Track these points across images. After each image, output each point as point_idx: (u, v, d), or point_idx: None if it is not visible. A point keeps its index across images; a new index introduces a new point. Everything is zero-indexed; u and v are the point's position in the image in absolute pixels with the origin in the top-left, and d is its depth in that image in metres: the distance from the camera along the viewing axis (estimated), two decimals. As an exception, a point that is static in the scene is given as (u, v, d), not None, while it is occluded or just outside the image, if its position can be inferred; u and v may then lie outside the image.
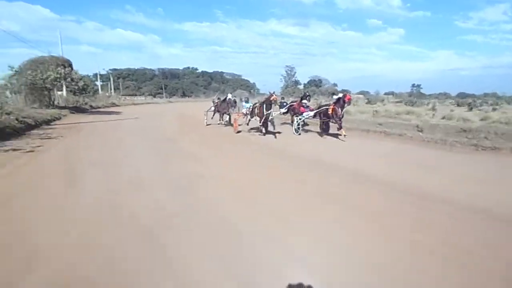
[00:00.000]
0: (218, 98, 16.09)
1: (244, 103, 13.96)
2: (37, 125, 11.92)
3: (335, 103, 10.78)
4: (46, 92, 18.08)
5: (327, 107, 11.11)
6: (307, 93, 15.22)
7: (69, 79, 19.04)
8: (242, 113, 13.32)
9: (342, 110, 10.57)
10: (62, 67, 18.42)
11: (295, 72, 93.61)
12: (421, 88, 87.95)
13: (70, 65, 21.58)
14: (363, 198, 4.39)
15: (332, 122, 11.17)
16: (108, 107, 29.62)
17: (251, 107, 12.66)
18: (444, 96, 71.27)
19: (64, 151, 7.47)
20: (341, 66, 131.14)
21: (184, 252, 2.85)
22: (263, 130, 11.59)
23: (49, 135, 9.97)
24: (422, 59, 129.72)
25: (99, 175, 5.36)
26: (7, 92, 15.59)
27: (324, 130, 11.62)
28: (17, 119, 10.57)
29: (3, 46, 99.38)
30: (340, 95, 11.15)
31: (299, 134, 11.75)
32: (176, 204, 4.04)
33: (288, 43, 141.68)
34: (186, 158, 6.96)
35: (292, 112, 13.96)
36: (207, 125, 14.51)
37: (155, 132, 12.04)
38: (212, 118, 15.26)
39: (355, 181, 5.28)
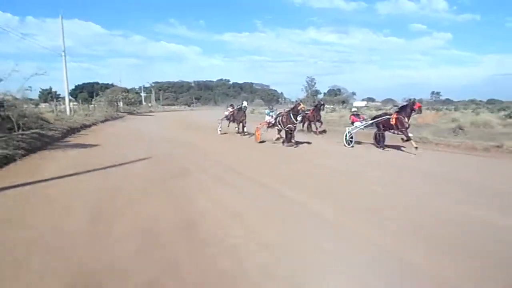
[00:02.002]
0: (231, 105, 16.69)
1: (268, 112, 14.09)
2: (115, 118, 32.89)
3: (398, 111, 10.43)
4: (115, 104, 40.00)
5: (389, 116, 10.66)
6: (322, 102, 16.53)
7: (126, 98, 41.10)
8: (266, 122, 13.41)
9: (409, 119, 10.12)
10: (123, 93, 40.63)
11: (315, 83, 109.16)
12: (441, 95, 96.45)
13: (128, 90, 43.96)
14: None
15: (394, 133, 10.66)
16: (147, 112, 51.14)
17: (276, 116, 12.79)
18: (472, 102, 76.64)
19: (127, 120, 28.15)
20: (383, 73, 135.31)
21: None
22: (292, 141, 11.74)
23: (121, 119, 30.83)
24: (471, 64, 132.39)
25: (137, 123, 25.65)
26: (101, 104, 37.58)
27: (379, 142, 11.32)
28: (105, 117, 31.70)
29: (57, 60, 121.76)
30: (405, 102, 10.82)
31: (352, 146, 11.38)
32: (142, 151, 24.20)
33: (328, 51, 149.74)
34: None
35: (307, 121, 15.17)
36: (221, 134, 15.60)
37: (161, 122, 32.12)
38: (228, 126, 16.07)
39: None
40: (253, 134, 13.69)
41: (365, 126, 11.67)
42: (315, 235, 3.69)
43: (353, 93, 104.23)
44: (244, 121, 15.14)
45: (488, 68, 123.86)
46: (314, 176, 7.02)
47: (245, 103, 15.35)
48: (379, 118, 11.04)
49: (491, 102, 78.88)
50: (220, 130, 15.90)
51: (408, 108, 10.12)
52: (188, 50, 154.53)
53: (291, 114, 11.50)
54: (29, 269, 2.86)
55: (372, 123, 11.36)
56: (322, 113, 16.18)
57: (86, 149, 10.37)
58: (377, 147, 11.24)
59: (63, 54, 24.97)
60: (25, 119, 11.25)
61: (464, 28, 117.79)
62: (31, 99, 17.99)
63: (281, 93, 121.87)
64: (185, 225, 3.93)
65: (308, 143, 12.37)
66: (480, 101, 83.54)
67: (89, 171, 6.99)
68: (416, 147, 9.76)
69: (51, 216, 4.26)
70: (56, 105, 23.60)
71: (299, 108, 11.46)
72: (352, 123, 12.21)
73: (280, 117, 12.18)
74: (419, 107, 10.12)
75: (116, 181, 6.14)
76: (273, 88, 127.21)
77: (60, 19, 25.38)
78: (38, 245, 3.40)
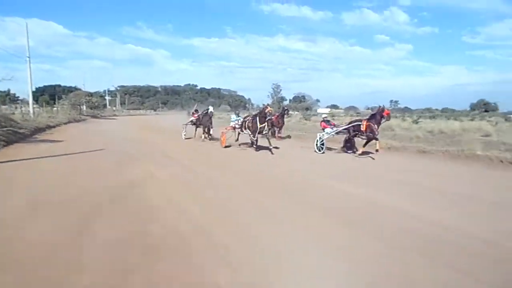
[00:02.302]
0: (196, 110, 16.96)
1: (233, 116, 14.05)
2: (78, 121, 34.68)
3: (369, 118, 10.84)
4: (78, 107, 41.57)
5: (359, 122, 11.12)
6: (286, 108, 17.11)
7: (89, 102, 42.78)
8: (231, 127, 13.48)
9: (378, 126, 10.59)
10: (87, 97, 42.32)
11: (281, 89, 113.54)
12: (399, 104, 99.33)
13: (91, 94, 45.59)
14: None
15: (362, 138, 11.20)
16: (111, 116, 52.59)
17: (242, 120, 12.87)
18: (428, 111, 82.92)
19: (90, 123, 30.27)
20: (348, 81, 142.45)
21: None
22: (255, 145, 11.80)
23: (84, 122, 32.78)
24: (431, 74, 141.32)
25: (99, 125, 27.91)
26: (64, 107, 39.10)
27: (348, 148, 11.73)
28: (68, 120, 33.50)
29: (16, 61, 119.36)
30: (375, 109, 11.29)
31: (323, 152, 11.53)
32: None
33: (296, 58, 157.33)
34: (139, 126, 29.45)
35: (271, 126, 14.34)
36: (185, 138, 15.71)
37: (122, 124, 34.39)
38: (195, 132, 16.22)
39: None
40: (218, 139, 13.84)
41: (336, 132, 12.03)
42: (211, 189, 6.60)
43: (317, 100, 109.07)
44: (209, 126, 15.25)
45: (446, 79, 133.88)
46: (241, 161, 10.04)
47: (211, 108, 15.50)
48: (351, 125, 11.46)
49: (444, 110, 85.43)
50: (184, 135, 16.21)
51: (377, 115, 10.57)
52: (156, 53, 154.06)
53: (257, 118, 11.61)
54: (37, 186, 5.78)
55: (343, 129, 11.75)
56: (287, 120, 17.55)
57: (54, 143, 12.91)
58: (347, 152, 11.64)
59: (27, 59, 26.89)
60: (-1, 119, 13.69)
61: (424, 40, 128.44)
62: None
63: (249, 99, 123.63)
64: (114, 184, 6.94)
65: (276, 147, 12.36)
66: (436, 109, 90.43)
67: (57, 155, 9.76)
68: (377, 150, 10.30)
69: (39, 175, 7.13)
70: (21, 107, 25.35)
71: (266, 111, 11.58)
72: (323, 129, 12.44)
73: (247, 122, 12.36)
74: (388, 114, 10.65)
75: (77, 163, 8.92)
76: (241, 94, 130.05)
77: (26, 26, 27.29)
78: (32, 182, 6.31)
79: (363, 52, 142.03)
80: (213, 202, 5.50)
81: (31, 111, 26.32)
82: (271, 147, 11.61)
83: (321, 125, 12.91)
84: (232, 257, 3.44)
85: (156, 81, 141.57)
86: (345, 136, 11.89)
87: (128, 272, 3.04)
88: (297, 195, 5.98)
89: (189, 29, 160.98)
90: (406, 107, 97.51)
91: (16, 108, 32.61)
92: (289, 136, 17.02)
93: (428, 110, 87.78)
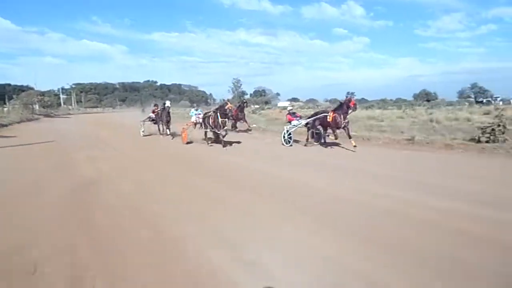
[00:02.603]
0: (156, 105, 16.94)
1: (193, 111, 14.17)
2: (31, 120, 35.51)
3: (335, 109, 10.70)
4: (31, 107, 42.04)
5: (326, 113, 10.99)
6: (245, 100, 17.14)
7: (42, 101, 43.37)
8: (192, 122, 13.51)
9: (345, 117, 10.38)
10: (39, 96, 42.87)
11: (241, 84, 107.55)
12: (355, 95, 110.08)
13: (43, 94, 46.05)
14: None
15: (329, 131, 11.17)
16: (66, 115, 52.83)
17: (203, 116, 12.91)
18: (383, 101, 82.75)
19: (43, 122, 31.46)
20: (309, 75, 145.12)
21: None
22: (222, 139, 11.80)
23: (37, 121, 33.78)
24: (387, 66, 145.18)
25: (51, 124, 29.27)
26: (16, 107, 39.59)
27: (316, 139, 11.74)
28: (21, 119, 34.35)
29: None
30: (343, 100, 10.95)
31: (291, 145, 11.60)
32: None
33: (258, 52, 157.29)
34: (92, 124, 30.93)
35: (232, 119, 14.96)
36: (144, 136, 15.58)
37: (76, 122, 35.64)
38: (158, 129, 15.98)
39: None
40: (178, 135, 14.06)
41: (302, 124, 12.03)
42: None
43: (278, 94, 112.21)
44: (168, 121, 15.08)
45: (401, 70, 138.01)
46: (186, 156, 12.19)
47: (167, 103, 15.31)
48: (317, 116, 11.42)
49: (397, 101, 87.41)
50: (142, 132, 16.01)
51: (344, 106, 10.40)
52: (114, 49, 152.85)
53: (218, 114, 11.60)
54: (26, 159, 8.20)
55: (309, 121, 11.69)
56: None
57: (7, 138, 15.01)
58: (314, 143, 11.67)
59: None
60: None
61: (380, 33, 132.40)
62: None
63: (210, 94, 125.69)
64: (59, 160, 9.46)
65: (238, 142, 12.55)
66: (391, 100, 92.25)
67: (10, 146, 12.00)
68: (355, 145, 9.96)
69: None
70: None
71: (226, 107, 11.56)
72: (289, 122, 12.56)
73: (207, 118, 12.35)
74: (354, 105, 10.45)
75: (29, 151, 11.29)
76: (202, 89, 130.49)
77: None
78: None
79: (322, 45, 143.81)
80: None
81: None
82: (222, 140, 11.83)
83: (287, 118, 13.09)
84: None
85: (115, 78, 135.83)
86: (310, 128, 11.81)
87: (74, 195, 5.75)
88: (223, 177, 7.13)
89: (148, 24, 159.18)
90: (362, 98, 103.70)
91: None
92: (249, 129, 16.72)
93: (383, 101, 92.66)
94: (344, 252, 3.41)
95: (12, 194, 5.70)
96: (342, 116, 10.35)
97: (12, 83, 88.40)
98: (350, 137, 10.35)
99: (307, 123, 11.85)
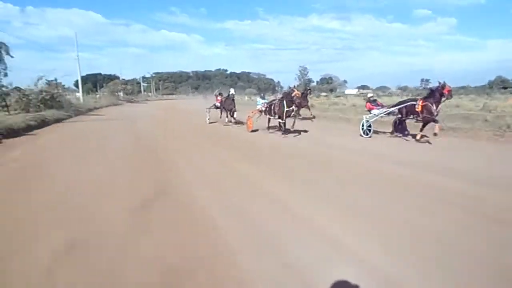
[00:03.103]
0: (220, 94, 17.01)
1: (259, 99, 14.13)
2: (116, 104, 43.85)
3: (426, 97, 9.80)
4: (116, 94, 51.18)
5: (414, 102, 10.07)
6: (309, 88, 16.98)
7: (125, 89, 52.43)
8: (258, 110, 13.47)
9: (438, 106, 9.42)
10: (123, 85, 51.94)
11: (308, 72, 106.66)
12: (430, 82, 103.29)
13: (127, 82, 55.30)
14: None
15: (417, 120, 10.16)
16: (144, 101, 61.91)
17: (268, 104, 12.77)
18: (463, 89, 78.58)
19: (125, 106, 39.19)
20: (385, 60, 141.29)
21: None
22: (283, 129, 11.69)
23: (121, 105, 41.85)
24: (475, 49, 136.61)
25: (131, 107, 36.57)
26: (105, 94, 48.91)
27: (399, 130, 10.92)
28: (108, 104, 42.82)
29: (59, 50, 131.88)
30: (433, 86, 10.02)
31: (370, 136, 10.83)
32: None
33: (330, 38, 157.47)
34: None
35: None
36: (210, 123, 15.94)
37: (149, 107, 42.89)
38: (220, 116, 16.31)
39: None
40: (243, 123, 14.28)
41: (386, 113, 11.13)
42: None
43: (345, 81, 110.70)
44: (232, 109, 15.08)
45: (492, 54, 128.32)
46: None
47: (232, 91, 15.40)
48: (403, 104, 10.46)
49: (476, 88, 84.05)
50: (208, 119, 16.13)
51: (436, 93, 9.41)
52: (190, 38, 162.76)
53: (284, 102, 11.32)
54: (91, 135, 14.04)
55: (394, 110, 10.78)
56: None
57: (100, 116, 21.65)
58: (398, 135, 10.82)
59: (76, 57, 36.31)
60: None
61: (469, 13, 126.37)
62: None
63: (278, 81, 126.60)
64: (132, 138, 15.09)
65: (305, 131, 12.26)
66: (470, 86, 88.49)
67: (101, 120, 18.21)
68: (436, 133, 9.20)
69: (94, 126, 15.44)
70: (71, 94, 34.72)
71: (293, 94, 11.19)
72: (369, 110, 11.72)
73: (273, 105, 12.13)
74: (449, 92, 9.30)
75: (113, 124, 17.07)
76: (270, 77, 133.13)
77: (75, 37, 36.50)
78: (90, 127, 14.61)
79: (401, 28, 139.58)
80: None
81: (81, 97, 35.70)
82: (292, 129, 11.59)
83: (366, 107, 12.21)
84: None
85: (191, 67, 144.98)
86: (394, 118, 11.13)
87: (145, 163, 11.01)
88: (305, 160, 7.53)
89: (222, 13, 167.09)
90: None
91: (66, 95, 42.80)
92: (314, 117, 16.55)
93: (464, 88, 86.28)
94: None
95: (110, 135, 11.18)
96: (434, 105, 9.40)
97: (102, 72, 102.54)
98: (435, 122, 9.38)
99: (389, 112, 11.00)
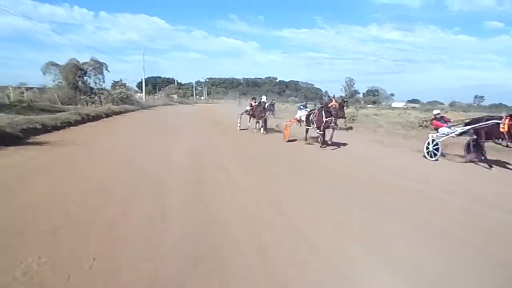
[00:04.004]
0: (253, 98, 16.79)
1: (300, 108, 14.06)
2: (170, 104, 54.06)
3: None
4: (170, 96, 62.10)
5: (498, 121, 8.39)
6: (345, 99, 16.24)
7: (178, 93, 63.42)
8: (296, 119, 13.48)
9: None
10: (176, 89, 62.94)
11: (354, 83, 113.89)
12: (484, 99, 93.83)
13: (180, 87, 66.51)
14: None
15: (499, 144, 8.78)
16: (193, 103, 71.67)
17: (308, 113, 12.62)
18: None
19: (176, 106, 49.00)
20: (450, 74, 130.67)
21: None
22: (322, 140, 11.43)
23: (173, 106, 51.79)
24: None
25: (181, 108, 46.28)
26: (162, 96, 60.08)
27: (473, 154, 9.23)
28: (163, 104, 53.34)
29: (125, 53, 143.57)
30: None
31: (436, 159, 9.49)
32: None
33: (390, 49, 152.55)
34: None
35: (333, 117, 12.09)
36: (240, 129, 15.92)
37: (195, 108, 51.90)
38: (249, 122, 16.15)
39: None
40: (276, 132, 14.89)
41: (459, 133, 9.68)
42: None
43: (392, 94, 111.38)
44: (263, 117, 14.96)
45: None
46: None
47: (263, 98, 15.26)
48: (483, 123, 8.79)
49: None
50: (239, 126, 16.09)
51: None
52: (246, 45, 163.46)
53: (322, 112, 11.19)
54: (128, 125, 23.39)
55: (469, 129, 9.22)
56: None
57: (155, 110, 31.68)
58: (472, 161, 9.17)
59: (142, 67, 47.25)
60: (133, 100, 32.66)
61: None
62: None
63: (325, 91, 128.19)
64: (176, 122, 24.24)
65: (344, 144, 11.90)
66: None
67: (154, 112, 27.93)
68: None
69: (151, 115, 24.81)
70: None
71: (329, 104, 11.00)
72: (436, 129, 10.45)
73: (312, 115, 11.98)
74: None
75: (163, 116, 26.37)
76: (318, 86, 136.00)
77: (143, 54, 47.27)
78: (150, 117, 23.97)
79: (469, 41, 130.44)
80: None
81: (144, 97, 46.44)
82: (330, 142, 11.22)
83: (432, 124, 11.06)
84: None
85: (244, 73, 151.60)
86: (468, 139, 9.59)
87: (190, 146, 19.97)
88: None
89: (279, 21, 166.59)
90: (500, 103, 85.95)
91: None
92: (351, 128, 17.60)
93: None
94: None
95: (162, 118, 20.10)
96: None
97: (162, 75, 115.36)
98: None
99: (462, 132, 9.64)
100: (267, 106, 15.61)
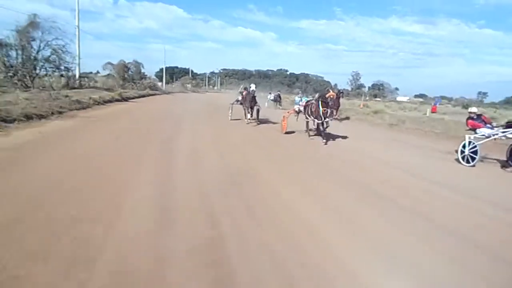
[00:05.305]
0: (245, 89, 16.24)
1: (297, 99, 14.14)
2: (184, 92, 68.16)
3: None
4: (185, 86, 76.85)
5: None
6: (341, 91, 15.76)
7: (192, 83, 78.28)
8: (294, 110, 13.54)
9: None
10: (190, 80, 77.91)
11: (360, 77, 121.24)
12: (487, 95, 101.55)
13: (195, 77, 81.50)
14: None
15: None
16: (204, 92, 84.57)
17: (305, 105, 12.67)
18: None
19: (189, 93, 62.86)
20: (472, 69, 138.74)
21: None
22: (321, 129, 11.57)
23: (187, 93, 65.79)
24: None
25: (193, 95, 60.50)
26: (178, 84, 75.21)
27: None
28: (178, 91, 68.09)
29: (143, 41, 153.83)
30: None
31: (473, 165, 8.41)
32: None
33: (410, 42, 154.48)
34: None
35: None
36: (231, 120, 15.79)
37: (204, 96, 65.71)
38: (245, 115, 15.75)
39: None
40: (270, 123, 15.37)
41: (503, 135, 8.49)
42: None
43: (396, 89, 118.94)
44: (253, 107, 14.88)
45: None
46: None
47: (253, 87, 14.88)
48: None
49: None
50: (230, 115, 16.11)
51: None
52: (264, 36, 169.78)
53: (319, 102, 11.30)
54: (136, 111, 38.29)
55: None
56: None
57: (173, 95, 45.95)
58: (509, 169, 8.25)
59: (163, 68, 61.78)
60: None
61: None
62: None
63: (335, 84, 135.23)
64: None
65: (345, 137, 12.08)
66: None
67: (173, 96, 42.43)
68: None
69: (168, 98, 39.48)
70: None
71: (327, 95, 11.08)
72: (473, 129, 9.22)
73: (310, 106, 12.08)
74: None
75: (179, 96, 40.58)
76: (327, 79, 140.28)
77: (163, 50, 61.95)
78: (165, 100, 38.74)
79: (493, 35, 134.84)
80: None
81: (164, 85, 61.31)
82: (323, 137, 11.31)
83: (467, 124, 9.56)
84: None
85: (258, 65, 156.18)
86: (510, 143, 8.46)
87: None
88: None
89: (298, 11, 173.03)
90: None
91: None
92: (347, 118, 18.95)
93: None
94: None
95: (177, 99, 34.51)
96: None
97: (179, 65, 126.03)
98: None
99: (504, 133, 8.39)
100: (274, 97, 20.44)
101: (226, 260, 3.28)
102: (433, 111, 23.25)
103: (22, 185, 4.94)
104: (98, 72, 46.21)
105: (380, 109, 25.42)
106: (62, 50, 24.95)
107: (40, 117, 11.01)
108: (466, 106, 33.61)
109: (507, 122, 9.06)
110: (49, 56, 24.49)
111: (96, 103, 18.06)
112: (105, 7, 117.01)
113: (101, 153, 7.44)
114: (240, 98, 16.24)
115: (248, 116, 15.19)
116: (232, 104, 16.21)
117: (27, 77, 22.73)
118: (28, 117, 10.45)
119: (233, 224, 4.13)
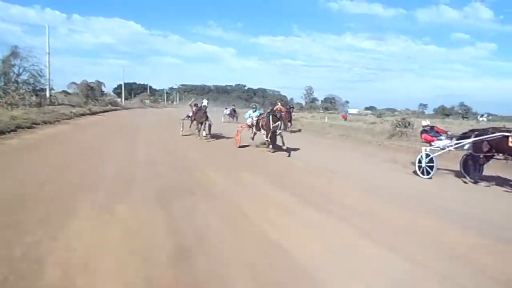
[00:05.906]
0: (196, 105, 16.27)
1: (249, 112, 14.13)
2: (142, 107, 73.90)
3: None
4: (143, 101, 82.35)
5: (506, 133, 7.71)
6: (292, 106, 19.62)
7: (150, 99, 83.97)
8: (247, 124, 13.73)
9: None
10: (148, 96, 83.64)
11: (313, 92, 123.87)
12: (427, 107, 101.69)
13: (153, 94, 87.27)
14: None
15: (503, 159, 8.04)
16: (162, 107, 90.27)
17: (257, 118, 12.98)
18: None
19: (146, 109, 68.96)
20: (420, 83, 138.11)
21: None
22: (270, 146, 12.06)
23: (144, 109, 71.71)
24: None
25: (150, 110, 66.34)
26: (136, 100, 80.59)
27: (472, 171, 8.39)
28: (137, 107, 73.63)
29: (100, 56, 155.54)
30: None
31: (430, 177, 8.58)
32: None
33: (364, 58, 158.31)
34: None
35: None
36: (182, 135, 15.83)
37: (159, 111, 72.00)
38: (190, 127, 15.97)
39: None
40: (220, 137, 15.69)
41: (457, 147, 8.80)
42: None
43: (347, 102, 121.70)
44: (204, 122, 14.90)
45: None
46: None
47: (205, 102, 15.14)
48: (486, 136, 8.07)
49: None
50: (181, 131, 16.14)
51: None
52: (223, 51, 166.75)
53: (270, 116, 11.79)
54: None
55: (469, 142, 8.42)
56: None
57: (132, 110, 52.42)
58: (466, 179, 8.37)
59: (122, 85, 67.29)
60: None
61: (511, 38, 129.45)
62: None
63: (291, 98, 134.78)
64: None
65: (297, 149, 12.50)
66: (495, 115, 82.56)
67: (132, 110, 48.87)
68: None
69: (123, 114, 45.41)
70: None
71: (274, 108, 11.80)
72: (428, 143, 9.54)
73: (261, 120, 12.50)
74: None
75: (137, 111, 46.87)
76: (283, 93, 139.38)
77: (122, 70, 67.60)
78: (121, 115, 44.63)
79: (438, 51, 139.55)
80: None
81: (123, 101, 66.62)
82: (284, 147, 11.64)
83: (422, 138, 9.95)
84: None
85: (217, 80, 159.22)
86: (464, 153, 8.74)
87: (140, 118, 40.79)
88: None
89: (257, 28, 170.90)
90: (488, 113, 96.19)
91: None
92: (299, 130, 20.76)
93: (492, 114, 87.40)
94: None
95: (134, 113, 40.45)
96: None
97: (137, 81, 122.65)
98: None
99: (460, 145, 8.70)
100: (230, 112, 21.67)
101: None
102: (344, 118, 29.57)
103: (54, 156, 10.95)
104: (64, 91, 51.46)
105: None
106: (39, 74, 30.76)
107: (48, 123, 17.65)
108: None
109: (463, 133, 9.32)
110: (26, 80, 30.15)
111: (76, 115, 24.15)
112: (58, 21, 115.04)
113: (94, 142, 13.82)
114: (190, 114, 16.30)
115: (202, 131, 15.09)
116: (183, 119, 16.48)
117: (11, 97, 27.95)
118: (37, 124, 17.13)
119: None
